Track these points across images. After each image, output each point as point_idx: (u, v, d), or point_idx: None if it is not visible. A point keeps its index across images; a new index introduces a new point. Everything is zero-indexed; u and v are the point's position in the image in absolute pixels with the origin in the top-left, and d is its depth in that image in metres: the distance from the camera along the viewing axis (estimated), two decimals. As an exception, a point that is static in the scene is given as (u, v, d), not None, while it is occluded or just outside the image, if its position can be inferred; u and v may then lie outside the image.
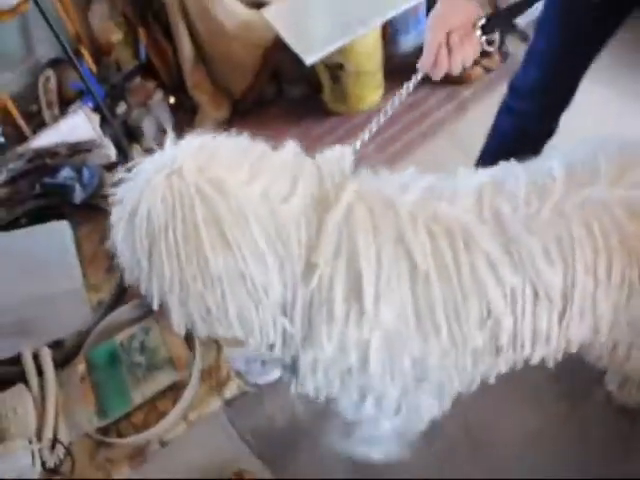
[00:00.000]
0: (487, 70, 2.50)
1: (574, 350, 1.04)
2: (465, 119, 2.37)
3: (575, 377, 1.54)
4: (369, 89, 2.47)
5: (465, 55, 1.09)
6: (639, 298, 0.97)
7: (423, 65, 1.11)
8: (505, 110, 1.67)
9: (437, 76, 1.12)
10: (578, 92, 1.56)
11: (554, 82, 1.55)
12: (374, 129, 1.10)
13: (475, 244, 0.92)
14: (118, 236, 0.88)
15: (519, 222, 0.93)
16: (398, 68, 2.60)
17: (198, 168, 0.83)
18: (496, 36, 2.54)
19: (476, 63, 2.46)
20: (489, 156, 1.73)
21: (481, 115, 2.33)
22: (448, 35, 1.08)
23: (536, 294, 0.94)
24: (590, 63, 1.53)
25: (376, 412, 1.11)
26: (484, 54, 2.51)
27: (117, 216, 0.88)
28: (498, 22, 1.14)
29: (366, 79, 2.41)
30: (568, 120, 1.60)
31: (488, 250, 0.92)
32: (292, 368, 1.02)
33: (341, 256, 0.89)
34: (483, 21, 1.11)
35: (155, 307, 0.86)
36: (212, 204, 0.81)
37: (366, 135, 1.08)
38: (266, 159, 0.90)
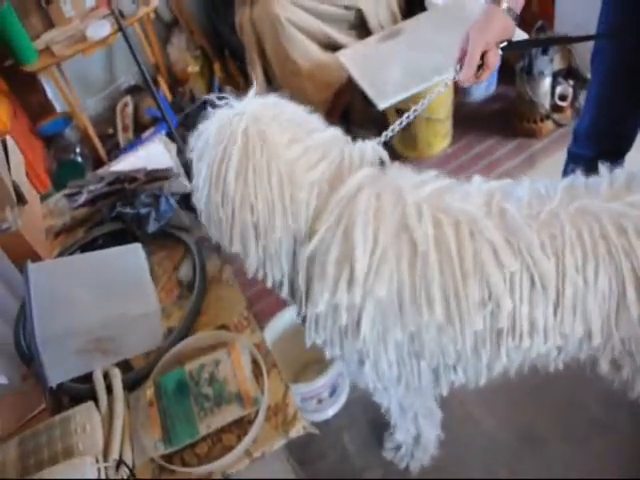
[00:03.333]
0: (558, 125, 2.48)
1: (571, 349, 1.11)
2: (534, 172, 2.34)
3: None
4: (438, 136, 2.49)
5: (492, 64, 1.21)
6: (627, 314, 1.03)
7: (465, 79, 1.23)
8: (568, 156, 1.71)
9: (465, 85, 1.26)
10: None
11: (607, 128, 1.57)
12: (403, 124, 1.28)
13: (480, 233, 1.02)
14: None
15: (521, 220, 1.03)
16: (467, 116, 2.62)
17: (256, 118, 1.01)
18: (569, 91, 2.53)
19: (547, 117, 2.45)
20: None
21: (550, 169, 2.32)
22: (486, 51, 1.19)
23: (533, 282, 1.02)
24: None
25: (375, 379, 1.22)
26: (556, 108, 2.50)
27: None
28: (519, 46, 1.28)
29: (436, 126, 2.43)
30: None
31: (491, 239, 1.01)
32: (303, 320, 1.15)
33: (340, 226, 1.01)
34: (505, 43, 1.21)
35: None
36: (249, 147, 1.00)
37: (391, 130, 1.26)
38: (312, 134, 1.06)
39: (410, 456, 1.66)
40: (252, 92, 1.12)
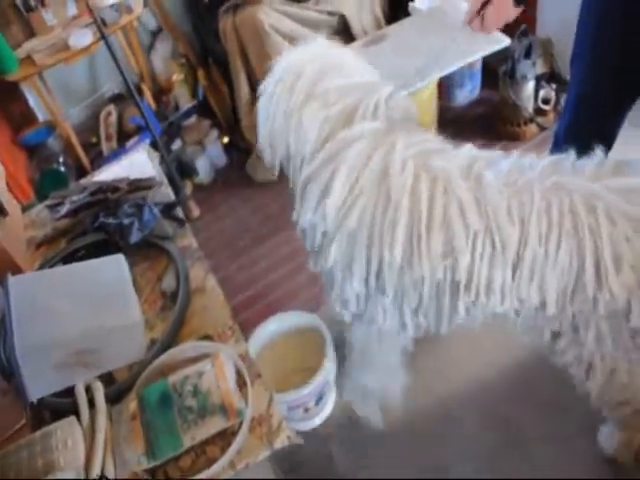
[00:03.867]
0: (542, 128, 2.50)
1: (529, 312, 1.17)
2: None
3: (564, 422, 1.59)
4: (422, 140, 2.49)
5: (506, 16, 1.37)
6: (584, 292, 1.08)
7: (469, 19, 1.40)
8: None
9: (476, 29, 1.41)
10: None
11: (586, 127, 1.59)
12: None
13: (452, 192, 1.12)
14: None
15: (495, 185, 1.11)
16: (452, 120, 2.63)
17: (311, 59, 1.27)
18: (552, 95, 2.55)
19: (531, 121, 2.46)
20: None
21: (534, 172, 2.33)
22: None
23: (494, 245, 1.10)
24: (622, 112, 1.58)
25: (341, 305, 1.37)
26: (540, 112, 2.51)
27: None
28: None
29: (420, 131, 2.43)
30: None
31: (461, 198, 1.11)
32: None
33: (332, 164, 1.18)
34: None
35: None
36: (294, 86, 1.24)
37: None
38: (346, 77, 1.26)
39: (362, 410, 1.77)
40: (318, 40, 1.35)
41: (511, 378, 1.71)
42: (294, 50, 1.35)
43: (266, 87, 1.34)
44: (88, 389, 1.14)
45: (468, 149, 1.23)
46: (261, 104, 1.34)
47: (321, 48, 1.34)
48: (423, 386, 1.79)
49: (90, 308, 1.17)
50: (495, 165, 1.16)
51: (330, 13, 2.62)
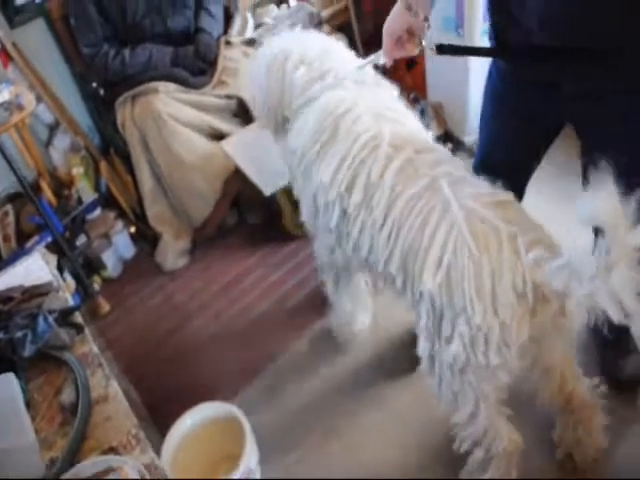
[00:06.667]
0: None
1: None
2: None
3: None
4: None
5: (409, 50, 1.52)
6: (456, 273, 1.23)
7: (383, 52, 1.56)
8: None
9: (390, 60, 1.58)
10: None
11: (499, 159, 1.64)
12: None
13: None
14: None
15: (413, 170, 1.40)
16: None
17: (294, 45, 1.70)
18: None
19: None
20: None
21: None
22: (399, 36, 1.49)
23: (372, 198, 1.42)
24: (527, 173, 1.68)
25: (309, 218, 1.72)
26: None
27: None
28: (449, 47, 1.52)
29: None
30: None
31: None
32: None
33: (305, 111, 1.63)
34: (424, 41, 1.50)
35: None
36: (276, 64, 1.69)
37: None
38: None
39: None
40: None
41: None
42: (275, 39, 1.78)
43: (257, 67, 1.75)
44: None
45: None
46: (254, 79, 1.77)
47: (300, 36, 1.78)
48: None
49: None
50: (436, 155, 1.45)
51: (228, 97, 2.67)
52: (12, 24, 2.62)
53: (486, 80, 1.61)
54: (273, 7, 3.10)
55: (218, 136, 2.60)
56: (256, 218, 2.70)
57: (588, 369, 1.63)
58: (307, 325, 2.26)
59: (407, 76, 3.02)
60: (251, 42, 2.93)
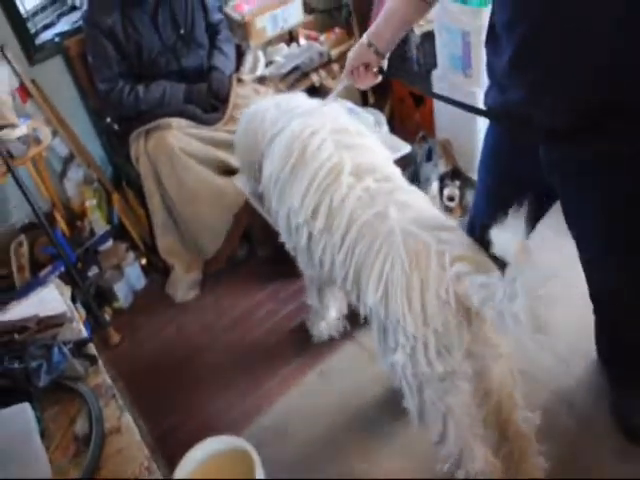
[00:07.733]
0: (448, 227, 2.61)
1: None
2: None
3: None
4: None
5: (368, 81, 1.68)
6: (392, 287, 1.34)
7: (341, 78, 1.75)
8: None
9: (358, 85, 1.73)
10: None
11: (483, 222, 1.65)
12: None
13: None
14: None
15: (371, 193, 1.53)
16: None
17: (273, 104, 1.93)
18: (456, 192, 2.70)
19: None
20: None
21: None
22: (356, 67, 1.64)
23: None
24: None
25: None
26: (446, 209, 2.65)
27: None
28: (388, 73, 1.70)
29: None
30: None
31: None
32: None
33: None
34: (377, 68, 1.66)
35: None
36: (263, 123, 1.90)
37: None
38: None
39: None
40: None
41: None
42: (257, 102, 2.07)
43: (241, 129, 2.01)
44: None
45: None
46: (238, 140, 2.05)
47: (275, 98, 2.01)
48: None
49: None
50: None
51: (239, 132, 2.72)
52: (32, 61, 2.70)
53: (487, 129, 1.63)
54: (283, 46, 3.17)
55: (229, 171, 2.64)
56: (266, 251, 2.73)
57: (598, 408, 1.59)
58: (316, 361, 2.28)
59: (415, 114, 3.07)
60: (262, 79, 3.00)
